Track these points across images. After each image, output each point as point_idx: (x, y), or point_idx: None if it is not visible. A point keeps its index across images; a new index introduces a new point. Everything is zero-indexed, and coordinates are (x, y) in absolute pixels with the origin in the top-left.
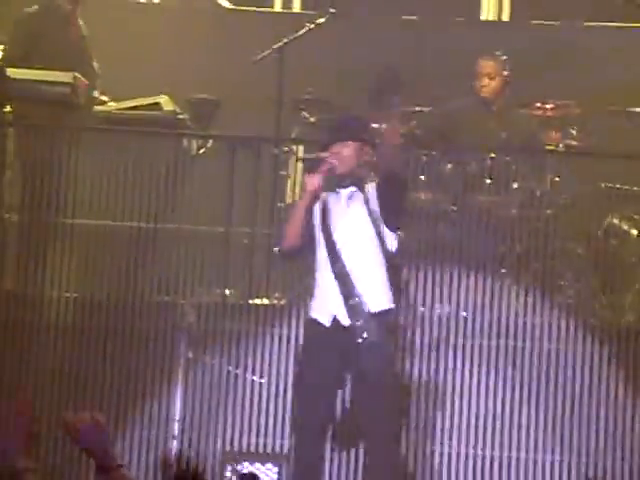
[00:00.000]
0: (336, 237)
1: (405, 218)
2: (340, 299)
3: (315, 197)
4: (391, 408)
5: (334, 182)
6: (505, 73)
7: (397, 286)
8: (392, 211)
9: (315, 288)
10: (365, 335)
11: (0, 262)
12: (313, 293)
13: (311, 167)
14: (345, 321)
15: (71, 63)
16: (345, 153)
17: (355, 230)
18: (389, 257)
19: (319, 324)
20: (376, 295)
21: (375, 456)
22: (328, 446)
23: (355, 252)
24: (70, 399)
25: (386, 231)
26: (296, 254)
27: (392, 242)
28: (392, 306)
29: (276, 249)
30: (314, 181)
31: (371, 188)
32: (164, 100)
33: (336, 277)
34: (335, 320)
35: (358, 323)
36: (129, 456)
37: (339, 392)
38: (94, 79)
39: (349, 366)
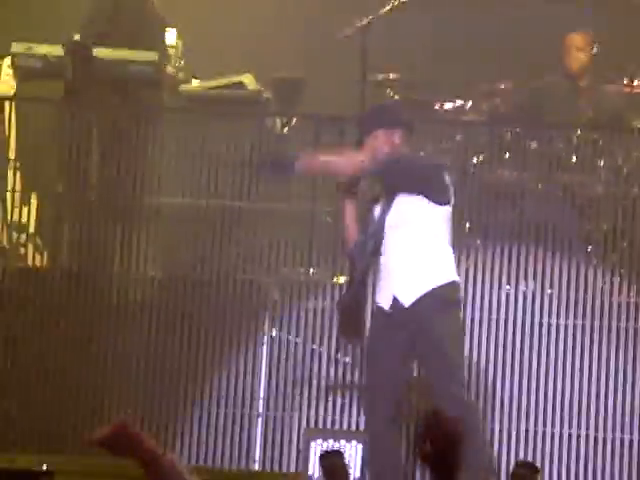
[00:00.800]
0: (377, 227)
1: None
2: (400, 279)
3: (353, 197)
4: (450, 379)
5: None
6: (593, 48)
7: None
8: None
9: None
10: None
11: (88, 243)
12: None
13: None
14: (406, 301)
15: (147, 42)
16: (375, 145)
17: (395, 217)
18: (437, 233)
19: (380, 309)
20: (416, 281)
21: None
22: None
23: (393, 240)
24: (156, 378)
25: (429, 205)
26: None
27: (440, 214)
28: (448, 281)
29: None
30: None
31: None
32: (248, 79)
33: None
34: (395, 300)
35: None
36: (214, 434)
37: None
38: (167, 57)
39: (412, 347)
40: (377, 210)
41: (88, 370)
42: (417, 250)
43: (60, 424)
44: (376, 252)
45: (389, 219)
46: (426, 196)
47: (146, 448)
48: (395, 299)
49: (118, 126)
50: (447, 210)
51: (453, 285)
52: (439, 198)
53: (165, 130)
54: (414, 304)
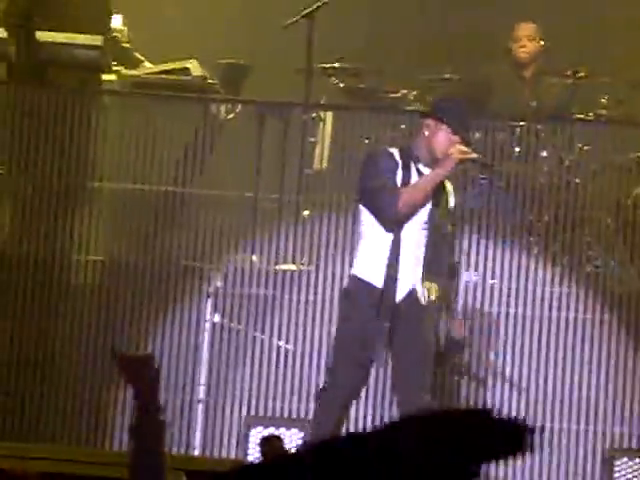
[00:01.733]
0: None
1: None
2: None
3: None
4: (425, 383)
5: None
6: (541, 40)
7: None
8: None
9: (372, 250)
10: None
11: (28, 226)
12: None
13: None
14: (422, 299)
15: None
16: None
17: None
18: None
19: (368, 284)
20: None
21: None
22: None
23: (427, 238)
24: (97, 362)
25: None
26: (401, 224)
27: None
28: None
29: (394, 212)
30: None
31: (451, 196)
32: (193, 65)
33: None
34: (412, 292)
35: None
36: None
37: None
38: (112, 42)
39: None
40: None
41: (28, 352)
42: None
43: None
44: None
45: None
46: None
47: (154, 388)
48: (412, 291)
49: (61, 110)
50: None
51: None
52: None
53: (109, 115)
54: (426, 304)
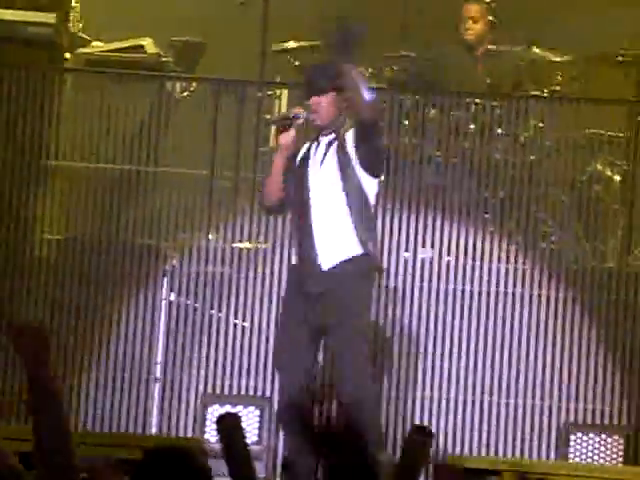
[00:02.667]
0: (308, 185)
1: (381, 163)
2: (301, 250)
3: (289, 151)
4: (358, 356)
5: (316, 133)
6: (490, 17)
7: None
8: (368, 155)
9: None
10: (319, 289)
11: None
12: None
13: (285, 123)
14: (325, 265)
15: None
16: (323, 104)
17: (328, 178)
18: (367, 203)
19: (295, 267)
20: (339, 245)
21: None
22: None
23: (324, 200)
24: (51, 340)
25: (365, 176)
26: (278, 209)
27: (372, 188)
28: (359, 253)
29: (259, 204)
30: (287, 136)
31: (348, 135)
32: (147, 42)
33: (298, 228)
34: (314, 262)
35: (313, 278)
36: (110, 398)
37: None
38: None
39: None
40: (304, 162)
41: None
42: (342, 214)
43: None
44: (307, 212)
45: (323, 177)
46: (364, 167)
47: (43, 360)
48: (314, 261)
49: (15, 88)
50: (377, 183)
51: (369, 257)
52: (377, 172)
53: (65, 93)
54: (332, 268)
